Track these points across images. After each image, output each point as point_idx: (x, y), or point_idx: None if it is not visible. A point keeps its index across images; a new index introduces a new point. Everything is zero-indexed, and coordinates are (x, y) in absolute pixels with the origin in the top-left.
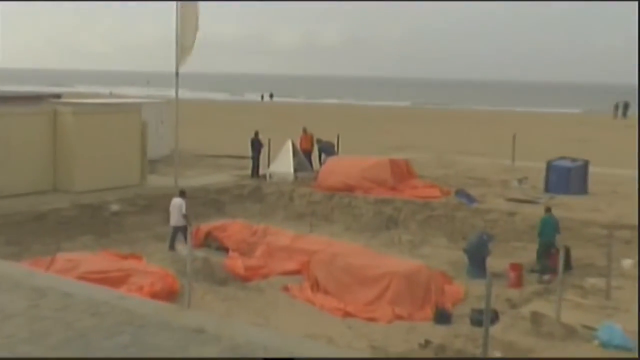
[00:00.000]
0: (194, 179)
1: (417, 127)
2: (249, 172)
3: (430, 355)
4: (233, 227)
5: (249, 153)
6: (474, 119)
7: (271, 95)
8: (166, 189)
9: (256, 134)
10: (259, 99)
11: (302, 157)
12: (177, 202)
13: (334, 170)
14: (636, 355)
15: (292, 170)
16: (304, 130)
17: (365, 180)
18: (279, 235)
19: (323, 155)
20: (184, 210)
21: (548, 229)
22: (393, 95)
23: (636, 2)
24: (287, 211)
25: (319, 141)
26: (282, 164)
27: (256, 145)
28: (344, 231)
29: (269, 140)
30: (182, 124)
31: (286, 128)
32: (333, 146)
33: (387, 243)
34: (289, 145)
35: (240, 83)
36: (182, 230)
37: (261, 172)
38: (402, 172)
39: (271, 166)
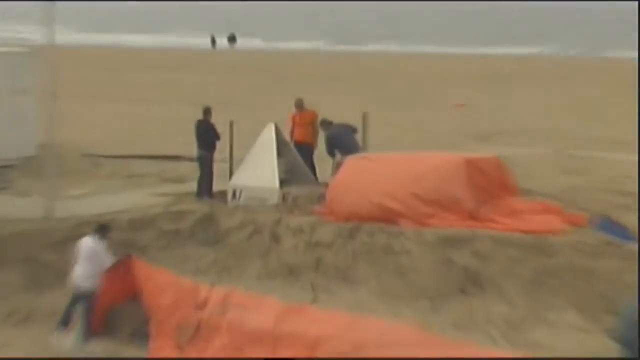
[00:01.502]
0: (86, 202)
1: (519, 95)
2: (194, 187)
3: None
4: (163, 291)
5: (193, 151)
6: (627, 75)
7: (232, 38)
8: (30, 222)
9: (206, 112)
10: (209, 43)
11: (296, 155)
12: (87, 245)
13: (356, 181)
14: None
15: (276, 182)
16: (298, 105)
17: (417, 199)
18: (252, 307)
19: (337, 154)
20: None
21: None
22: (469, 35)
23: (636, 2)
24: (269, 262)
25: (324, 124)
26: (258, 170)
27: (207, 134)
28: (378, 298)
29: (231, 125)
30: (63, 95)
31: (264, 100)
32: (353, 132)
33: (464, 321)
34: (270, 134)
35: (173, 16)
36: (87, 298)
37: (216, 186)
38: (491, 184)
39: (237, 175)
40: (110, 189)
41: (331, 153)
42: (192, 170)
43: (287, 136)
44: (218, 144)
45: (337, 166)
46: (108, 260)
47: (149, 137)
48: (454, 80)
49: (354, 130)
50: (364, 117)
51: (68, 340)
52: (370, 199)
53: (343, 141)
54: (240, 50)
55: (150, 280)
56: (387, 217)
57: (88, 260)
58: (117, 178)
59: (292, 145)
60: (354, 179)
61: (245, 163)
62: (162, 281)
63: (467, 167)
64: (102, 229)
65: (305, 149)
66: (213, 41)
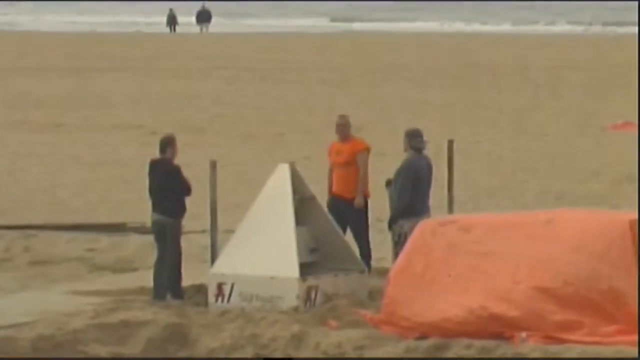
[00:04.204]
0: None
1: None
2: (148, 279)
3: None
4: None
5: (147, 215)
6: None
7: (203, 15)
8: None
9: (165, 146)
10: (165, 26)
11: (329, 221)
12: None
13: (437, 266)
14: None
15: (295, 268)
16: (341, 127)
17: (547, 298)
18: None
19: (399, 219)
20: None
21: None
22: None
23: (636, 2)
24: None
25: (414, 138)
26: (262, 248)
27: (168, 185)
28: None
29: (213, 166)
30: None
31: (269, 120)
32: (426, 170)
33: None
34: (282, 183)
35: None
36: None
37: (187, 278)
38: None
39: (225, 258)
40: None
41: (402, 211)
42: (144, 249)
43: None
44: (188, 202)
45: (400, 238)
46: None
47: (66, 190)
48: (614, 80)
49: (425, 169)
50: (449, 146)
51: None
52: (462, 300)
53: (422, 186)
54: (216, 35)
55: None
56: (492, 330)
57: None
58: (12, 265)
59: (320, 202)
60: (433, 263)
61: (240, 236)
62: None
63: (635, 236)
64: None
65: (348, 209)
66: (171, 21)
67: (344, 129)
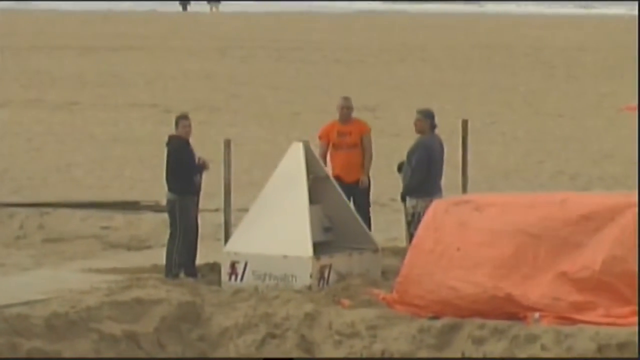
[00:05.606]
0: None
1: None
2: (161, 257)
3: None
4: None
5: (162, 193)
6: None
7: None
8: None
9: (180, 123)
10: (178, 5)
11: (343, 200)
12: None
13: (451, 246)
14: None
15: (308, 247)
16: (344, 109)
17: (564, 280)
18: None
19: (411, 200)
20: None
21: None
22: None
23: (636, 2)
24: None
25: (425, 117)
26: (276, 227)
27: (182, 163)
28: None
29: (227, 145)
30: None
31: (283, 100)
32: (438, 149)
33: None
34: (296, 161)
35: None
36: None
37: (201, 256)
38: None
39: (238, 236)
40: (13, 262)
41: (414, 187)
42: (158, 227)
43: (326, 160)
44: (203, 181)
45: (414, 217)
46: None
47: (81, 168)
48: (628, 62)
49: (436, 146)
50: (464, 126)
51: None
52: (477, 280)
53: (435, 166)
54: (229, 14)
55: None
56: (506, 310)
57: None
58: (26, 242)
59: (333, 179)
60: (448, 243)
61: (253, 215)
62: None
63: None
64: None
65: (352, 192)
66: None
67: (348, 111)
